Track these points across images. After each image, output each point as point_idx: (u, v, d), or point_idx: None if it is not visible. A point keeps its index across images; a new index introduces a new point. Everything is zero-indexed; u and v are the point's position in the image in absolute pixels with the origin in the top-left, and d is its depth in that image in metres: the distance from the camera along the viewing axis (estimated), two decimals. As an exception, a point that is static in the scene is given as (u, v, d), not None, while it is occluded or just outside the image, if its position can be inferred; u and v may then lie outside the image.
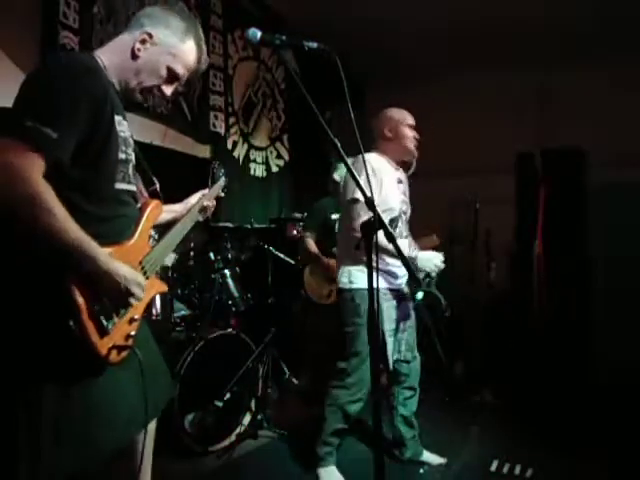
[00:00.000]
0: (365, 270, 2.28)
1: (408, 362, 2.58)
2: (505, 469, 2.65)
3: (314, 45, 1.32)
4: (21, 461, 1.20)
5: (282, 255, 3.74)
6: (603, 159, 4.32)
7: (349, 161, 1.36)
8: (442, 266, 2.40)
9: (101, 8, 3.09)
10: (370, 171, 2.32)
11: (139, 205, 1.51)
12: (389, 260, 2.37)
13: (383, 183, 2.38)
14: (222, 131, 4.19)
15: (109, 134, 1.30)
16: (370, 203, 1.30)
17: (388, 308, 2.40)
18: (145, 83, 1.43)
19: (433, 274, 2.41)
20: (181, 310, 3.00)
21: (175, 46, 1.44)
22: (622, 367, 3.88)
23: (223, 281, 3.04)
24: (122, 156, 1.36)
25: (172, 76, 1.46)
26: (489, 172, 4.92)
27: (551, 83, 5.21)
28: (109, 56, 1.40)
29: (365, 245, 1.31)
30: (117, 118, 1.34)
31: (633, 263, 4.40)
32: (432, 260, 2.38)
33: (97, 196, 1.31)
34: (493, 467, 2.68)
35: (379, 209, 2.34)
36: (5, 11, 2.60)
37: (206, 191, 1.86)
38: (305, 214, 4.22)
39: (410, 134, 2.52)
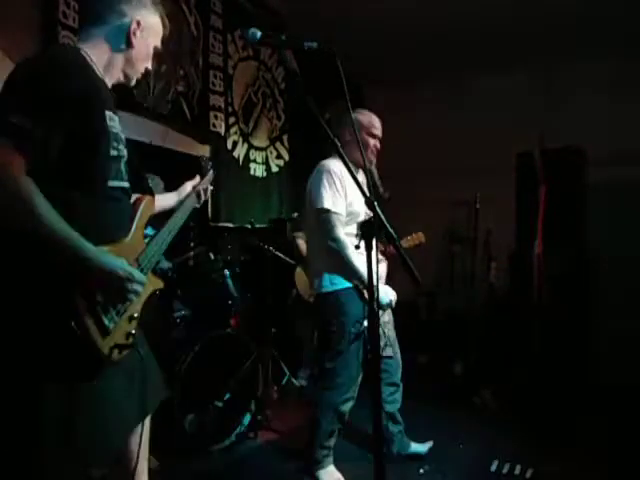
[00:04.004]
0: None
1: (390, 357, 2.60)
2: (505, 469, 2.66)
3: (314, 45, 1.31)
4: (23, 462, 1.20)
5: (282, 255, 3.74)
6: (603, 158, 4.32)
7: (334, 163, 1.35)
8: (393, 305, 2.40)
9: (101, 8, 3.09)
10: (337, 181, 2.33)
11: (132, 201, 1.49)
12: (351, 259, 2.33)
13: (347, 190, 2.36)
14: (222, 131, 4.19)
15: (99, 130, 1.28)
16: (370, 203, 1.29)
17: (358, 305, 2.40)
18: (141, 69, 1.48)
19: (384, 308, 2.40)
20: (181, 310, 3.00)
21: (156, 24, 1.49)
22: (622, 367, 3.88)
23: (223, 281, 3.04)
24: (114, 152, 1.34)
25: (154, 52, 1.52)
26: (489, 172, 4.92)
27: (551, 82, 5.22)
28: (97, 52, 1.37)
29: (365, 245, 1.30)
30: (107, 113, 1.31)
31: (633, 263, 4.39)
32: (389, 295, 2.38)
33: (90, 194, 1.28)
34: (493, 467, 2.68)
35: (347, 217, 2.34)
36: (5, 11, 2.60)
37: (196, 181, 1.84)
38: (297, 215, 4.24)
39: (370, 142, 2.49)
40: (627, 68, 4.80)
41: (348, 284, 2.37)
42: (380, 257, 2.63)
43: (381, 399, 1.38)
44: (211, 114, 4.07)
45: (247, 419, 2.92)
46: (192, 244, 3.05)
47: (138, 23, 1.41)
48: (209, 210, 3.90)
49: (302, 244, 3.70)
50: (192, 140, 3.86)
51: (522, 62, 5.14)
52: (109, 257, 1.24)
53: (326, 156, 2.54)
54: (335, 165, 2.40)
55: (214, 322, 2.97)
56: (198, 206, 1.84)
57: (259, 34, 1.33)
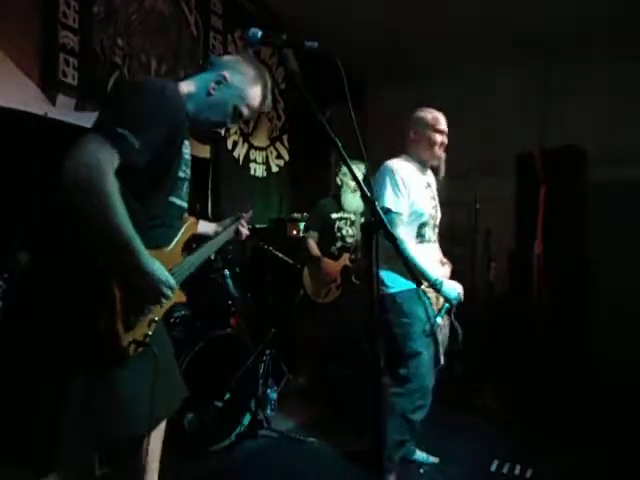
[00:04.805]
0: (400, 273, 2.28)
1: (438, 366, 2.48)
2: (505, 469, 2.66)
3: (315, 45, 1.31)
4: (40, 444, 1.31)
5: (282, 255, 3.74)
6: (603, 158, 4.32)
7: (355, 166, 1.34)
8: (461, 299, 2.36)
9: (101, 8, 3.09)
10: (399, 180, 2.32)
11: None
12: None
13: (411, 189, 2.35)
14: (222, 131, 4.19)
15: (176, 155, 1.48)
16: (371, 203, 1.29)
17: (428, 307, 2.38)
18: (212, 118, 1.60)
19: (454, 302, 2.35)
20: (181, 310, 2.99)
21: (245, 90, 1.61)
22: (622, 367, 3.88)
23: (223, 281, 3.04)
24: (182, 175, 1.52)
25: (237, 115, 1.64)
26: (489, 172, 4.91)
27: (551, 82, 5.21)
28: (188, 89, 1.56)
29: (365, 247, 1.30)
30: (185, 142, 1.52)
31: (633, 263, 4.39)
32: (457, 289, 2.34)
33: (153, 205, 1.45)
34: (493, 467, 2.68)
35: (409, 217, 2.32)
36: (5, 11, 2.60)
37: (242, 215, 2.07)
38: (305, 214, 4.24)
39: (438, 139, 2.44)
40: (627, 68, 4.79)
41: (407, 286, 2.32)
42: (444, 260, 2.58)
43: (380, 400, 1.37)
44: (211, 114, 4.07)
45: (247, 419, 2.92)
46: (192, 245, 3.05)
47: (224, 77, 1.57)
48: (209, 210, 3.91)
49: (312, 244, 3.68)
50: (192, 140, 3.86)
51: (522, 62, 5.13)
52: (156, 264, 1.36)
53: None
54: (400, 164, 2.40)
55: (214, 322, 2.97)
56: (238, 239, 2.08)
57: (259, 34, 1.33)
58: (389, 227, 2.13)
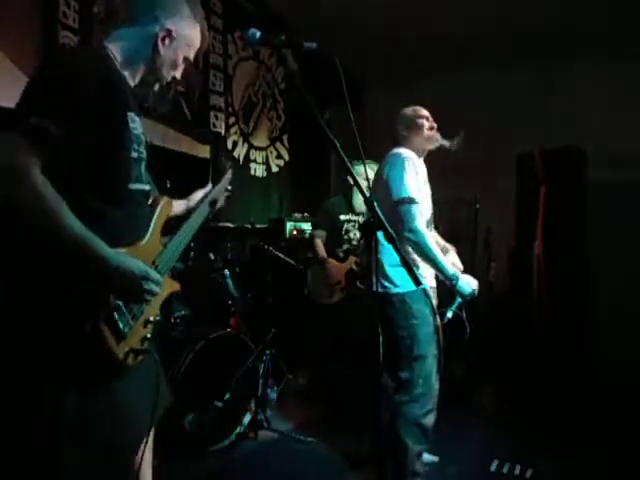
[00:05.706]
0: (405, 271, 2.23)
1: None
2: (505, 469, 2.66)
3: (313, 46, 1.31)
4: (38, 460, 1.20)
5: (282, 255, 3.74)
6: (603, 158, 4.32)
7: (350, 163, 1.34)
8: (476, 294, 2.26)
9: (101, 8, 3.09)
10: (417, 169, 2.28)
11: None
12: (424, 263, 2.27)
13: (423, 181, 2.33)
14: (222, 131, 4.20)
15: (121, 131, 1.27)
16: (369, 203, 1.29)
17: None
18: (165, 76, 1.44)
19: (467, 298, 2.26)
20: (181, 310, 3.00)
21: (190, 36, 1.44)
22: (622, 367, 3.88)
23: (223, 281, 3.05)
24: (134, 155, 1.32)
25: (184, 62, 1.48)
26: (489, 172, 4.91)
27: (551, 82, 5.21)
28: (122, 51, 1.35)
29: (365, 246, 1.30)
30: (130, 115, 1.30)
31: (633, 263, 4.39)
32: (471, 285, 2.24)
33: (111, 196, 1.27)
34: (493, 467, 2.68)
35: (425, 211, 2.29)
36: (5, 11, 2.60)
37: (209, 188, 1.82)
38: (305, 214, 4.24)
39: (426, 124, 2.46)
40: (627, 68, 4.79)
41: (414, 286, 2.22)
42: (448, 245, 2.54)
43: (380, 399, 1.37)
44: (211, 114, 4.08)
45: (247, 419, 2.93)
46: (192, 244, 3.05)
47: (169, 32, 1.38)
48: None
49: (320, 245, 3.66)
50: (192, 140, 3.86)
51: (522, 62, 5.13)
52: (125, 257, 1.23)
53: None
54: (410, 153, 2.35)
55: (214, 322, 2.97)
56: (215, 209, 1.81)
57: (259, 34, 1.33)
58: (408, 220, 2.15)
